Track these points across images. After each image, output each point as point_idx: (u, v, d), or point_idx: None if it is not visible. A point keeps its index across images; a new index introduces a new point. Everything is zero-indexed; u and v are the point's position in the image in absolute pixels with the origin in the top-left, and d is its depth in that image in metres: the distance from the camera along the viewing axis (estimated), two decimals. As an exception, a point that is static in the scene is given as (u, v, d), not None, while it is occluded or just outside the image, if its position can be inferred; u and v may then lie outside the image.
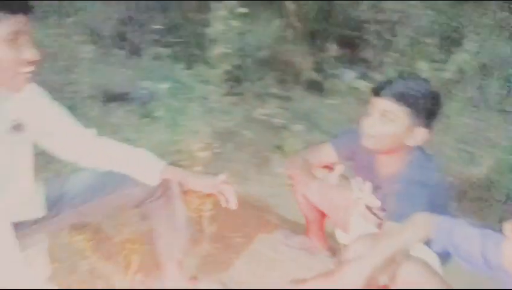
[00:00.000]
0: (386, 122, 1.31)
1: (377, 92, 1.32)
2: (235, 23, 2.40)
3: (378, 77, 3.42)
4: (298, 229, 1.90)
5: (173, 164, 2.20)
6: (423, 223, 1.05)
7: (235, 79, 3.53)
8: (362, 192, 1.50)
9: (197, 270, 1.63)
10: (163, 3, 5.09)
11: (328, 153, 1.56)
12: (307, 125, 3.11)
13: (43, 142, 1.26)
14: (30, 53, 1.02)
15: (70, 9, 4.33)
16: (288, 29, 4.12)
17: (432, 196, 1.28)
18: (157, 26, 4.48)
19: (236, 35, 2.59)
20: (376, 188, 1.45)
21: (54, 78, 2.82)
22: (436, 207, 1.21)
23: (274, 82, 3.71)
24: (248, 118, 3.19)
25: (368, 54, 3.76)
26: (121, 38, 4.31)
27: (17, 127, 1.14)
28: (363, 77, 3.91)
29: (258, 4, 4.38)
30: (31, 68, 1.04)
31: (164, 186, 1.34)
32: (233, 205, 1.35)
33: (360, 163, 1.50)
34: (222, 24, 2.38)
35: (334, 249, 1.78)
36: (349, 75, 4.05)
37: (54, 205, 1.23)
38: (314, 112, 3.36)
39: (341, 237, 1.60)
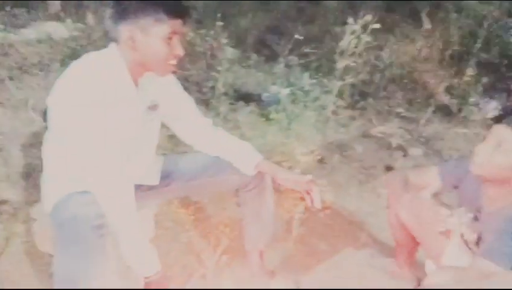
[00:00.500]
0: (502, 151, 1.26)
1: (499, 119, 1.28)
2: (366, 38, 2.42)
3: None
4: (387, 251, 1.87)
5: (275, 163, 2.37)
6: (501, 285, 1.00)
7: (360, 94, 3.54)
8: (462, 223, 1.43)
9: (277, 267, 1.75)
10: (308, 14, 5.34)
11: (432, 176, 1.52)
12: (425, 151, 2.96)
13: (169, 123, 1.53)
14: (179, 50, 1.27)
15: (221, 15, 4.88)
16: (429, 49, 3.94)
17: None
18: (298, 36, 4.72)
19: (366, 50, 2.62)
20: (476, 221, 1.37)
21: (197, 73, 3.24)
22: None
23: (401, 101, 3.60)
24: (364, 134, 3.18)
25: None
26: (261, 45, 4.67)
27: (153, 107, 1.40)
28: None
29: (398, 21, 4.29)
30: (176, 61, 1.30)
31: (259, 179, 1.50)
32: (317, 205, 1.44)
33: (465, 192, 1.44)
34: (353, 38, 2.44)
35: (420, 280, 1.71)
36: (491, 106, 3.69)
37: (167, 177, 1.48)
38: (439, 138, 3.16)
39: (430, 268, 1.54)
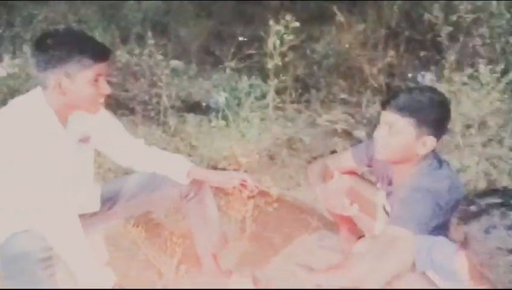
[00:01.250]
0: (394, 134, 1.36)
1: (383, 105, 1.39)
2: (288, 37, 2.56)
3: (458, 78, 3.28)
4: (336, 231, 2.00)
5: (221, 168, 2.46)
6: (404, 247, 1.13)
7: (303, 87, 3.69)
8: (382, 196, 1.58)
9: (235, 265, 1.84)
10: (248, 15, 5.45)
11: (347, 160, 1.66)
12: (368, 132, 3.13)
13: (103, 150, 1.60)
14: (106, 89, 1.35)
15: (162, 28, 4.94)
16: (362, 34, 4.13)
17: (439, 202, 1.30)
18: (241, 39, 4.83)
19: (294, 48, 2.75)
20: (389, 194, 1.51)
21: (140, 92, 3.29)
22: (444, 213, 1.25)
23: (342, 88, 3.77)
24: (311, 125, 3.32)
25: (444, 55, 3.59)
26: (205, 52, 4.75)
27: (85, 139, 1.47)
28: (441, 79, 3.76)
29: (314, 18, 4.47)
30: (103, 98, 1.37)
31: (197, 187, 1.59)
32: (255, 189, 1.56)
33: (377, 170, 1.57)
34: (277, 38, 2.57)
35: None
36: (427, 78, 3.92)
37: (108, 201, 1.55)
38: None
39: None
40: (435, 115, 1.34)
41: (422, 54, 3.98)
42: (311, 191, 2.45)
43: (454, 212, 0.89)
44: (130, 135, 1.63)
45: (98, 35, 3.74)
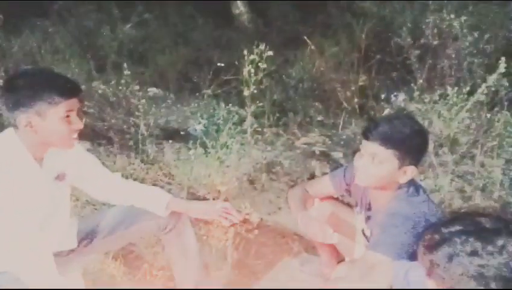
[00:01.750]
0: (377, 164, 1.38)
1: (365, 135, 1.40)
2: (263, 65, 2.62)
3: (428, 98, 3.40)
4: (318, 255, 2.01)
5: (202, 197, 2.45)
6: (383, 273, 1.15)
7: (280, 111, 3.74)
8: (361, 221, 1.60)
9: (217, 295, 1.83)
10: (225, 41, 5.53)
11: (326, 186, 1.68)
12: (345, 152, 3.18)
13: (80, 186, 1.58)
14: (79, 124, 1.35)
15: (139, 56, 4.96)
16: (335, 58, 4.25)
17: (416, 228, 1.33)
18: (220, 64, 4.88)
19: (267, 76, 2.82)
20: (368, 219, 1.54)
21: (117, 122, 3.27)
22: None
23: (319, 111, 3.84)
24: (290, 148, 3.36)
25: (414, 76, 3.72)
26: (183, 79, 4.78)
27: (60, 177, 1.46)
28: (412, 100, 3.88)
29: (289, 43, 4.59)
30: (76, 134, 1.36)
31: (175, 219, 1.58)
32: (236, 219, 1.56)
33: (356, 194, 1.60)
34: (252, 67, 2.62)
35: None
36: (400, 98, 4.05)
37: (86, 237, 1.53)
38: (356, 139, 3.42)
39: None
40: (417, 145, 1.38)
41: (394, 74, 4.13)
42: (291, 215, 2.48)
43: (420, 241, 0.92)
44: (106, 169, 1.62)
45: (74, 65, 3.73)
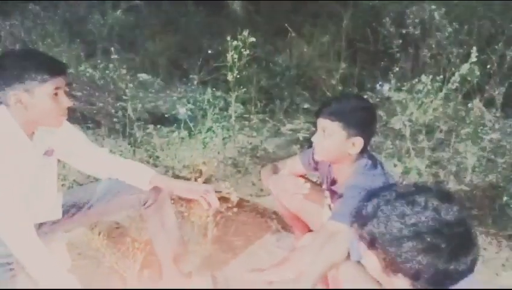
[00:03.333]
0: (327, 137, 1.53)
1: (317, 113, 1.56)
2: (245, 51, 2.70)
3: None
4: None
5: (184, 177, 2.54)
6: (341, 240, 1.25)
7: (267, 98, 3.83)
8: (326, 197, 1.71)
9: (196, 269, 1.92)
10: (215, 27, 5.57)
11: (296, 163, 1.80)
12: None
13: (68, 161, 1.67)
14: (67, 102, 1.43)
15: (130, 42, 5.00)
16: (321, 46, 4.33)
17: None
18: (210, 51, 4.93)
19: (250, 62, 2.90)
20: (332, 194, 1.64)
21: (105, 105, 3.35)
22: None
23: (305, 99, 3.93)
24: (276, 134, 3.46)
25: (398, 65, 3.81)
26: (173, 65, 4.84)
27: (49, 152, 1.54)
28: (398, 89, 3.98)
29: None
30: (65, 112, 1.44)
31: (155, 195, 1.67)
32: (215, 205, 1.65)
33: (322, 172, 1.71)
34: (236, 53, 2.70)
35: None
36: (385, 88, 4.14)
37: (69, 209, 1.62)
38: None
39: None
40: (359, 119, 1.51)
41: (381, 64, 4.22)
42: (272, 197, 2.58)
43: (352, 218, 1.01)
44: (92, 144, 1.70)
45: (63, 50, 3.78)
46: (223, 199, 2.27)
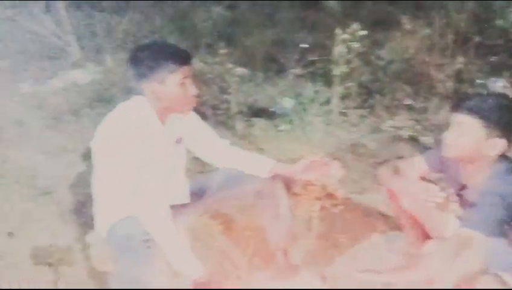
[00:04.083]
0: (463, 133, 1.43)
1: (454, 108, 1.46)
2: (355, 44, 2.63)
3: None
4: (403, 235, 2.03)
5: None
6: (478, 249, 1.18)
7: (367, 93, 3.71)
8: (452, 202, 1.61)
9: (301, 262, 1.94)
10: (311, 22, 5.54)
11: (420, 163, 1.70)
12: (436, 138, 3.09)
13: (193, 149, 1.80)
14: (194, 90, 1.54)
15: (228, 38, 5.16)
16: (429, 39, 4.08)
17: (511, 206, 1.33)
18: (303, 45, 4.93)
19: (359, 55, 2.82)
20: (461, 199, 1.54)
21: (211, 98, 3.50)
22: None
23: (408, 94, 3.74)
24: (375, 130, 3.34)
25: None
26: (270, 60, 4.90)
27: (178, 140, 1.68)
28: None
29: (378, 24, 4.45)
30: (194, 99, 1.55)
31: (270, 187, 1.73)
32: (340, 174, 1.70)
33: (448, 174, 1.61)
34: (344, 46, 2.65)
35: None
36: (498, 84, 3.80)
37: (196, 194, 1.75)
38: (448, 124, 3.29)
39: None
40: (503, 118, 1.39)
41: (493, 59, 3.87)
42: (376, 196, 2.50)
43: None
44: (216, 134, 1.81)
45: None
46: (328, 195, 2.26)
